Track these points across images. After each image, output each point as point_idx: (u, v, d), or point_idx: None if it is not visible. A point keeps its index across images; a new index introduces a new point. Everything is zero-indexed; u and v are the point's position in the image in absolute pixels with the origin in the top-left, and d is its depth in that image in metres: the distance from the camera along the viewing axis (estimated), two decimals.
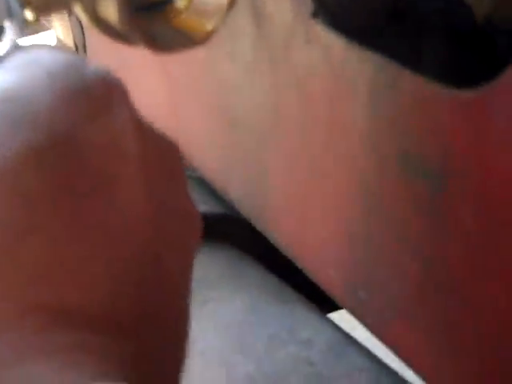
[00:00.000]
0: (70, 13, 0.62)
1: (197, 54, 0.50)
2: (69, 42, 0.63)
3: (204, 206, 0.56)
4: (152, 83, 0.55)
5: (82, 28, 0.62)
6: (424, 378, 0.39)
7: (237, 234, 0.56)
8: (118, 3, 0.31)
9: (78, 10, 0.32)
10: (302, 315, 0.49)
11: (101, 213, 0.23)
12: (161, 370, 0.25)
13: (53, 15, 0.67)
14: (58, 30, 0.65)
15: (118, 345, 0.22)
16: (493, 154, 0.31)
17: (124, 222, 0.24)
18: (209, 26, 0.33)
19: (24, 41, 0.29)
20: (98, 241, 0.23)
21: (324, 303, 0.53)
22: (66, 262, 0.22)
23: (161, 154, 0.26)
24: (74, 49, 0.62)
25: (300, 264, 0.46)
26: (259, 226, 0.50)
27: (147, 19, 0.33)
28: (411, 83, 0.34)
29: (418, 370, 0.39)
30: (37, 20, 0.31)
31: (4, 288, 0.21)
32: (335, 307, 0.57)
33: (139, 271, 0.24)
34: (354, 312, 0.43)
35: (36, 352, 0.21)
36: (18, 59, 0.25)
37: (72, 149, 0.23)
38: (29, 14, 0.30)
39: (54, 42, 0.68)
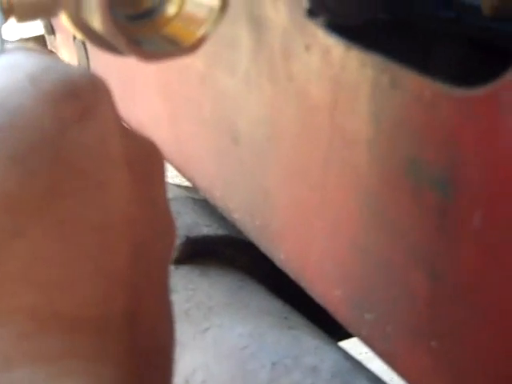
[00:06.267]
0: (75, 36, 0.61)
1: (195, 66, 0.49)
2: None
3: (207, 228, 0.54)
4: (154, 103, 0.54)
5: (85, 51, 0.61)
6: None
7: (240, 256, 0.54)
8: (102, 11, 0.29)
9: (63, 17, 0.32)
10: (308, 341, 0.47)
11: (88, 213, 0.23)
12: (153, 371, 0.25)
13: (56, 35, 0.66)
14: (62, 53, 0.64)
15: (112, 344, 0.23)
16: (504, 155, 0.29)
17: (112, 221, 0.24)
18: (198, 33, 0.32)
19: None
20: (85, 240, 0.23)
21: (336, 330, 0.50)
22: (53, 264, 0.22)
23: (143, 155, 0.27)
24: None
25: (304, 285, 0.44)
26: (262, 246, 0.47)
27: (135, 26, 0.32)
28: (415, 84, 0.32)
29: None
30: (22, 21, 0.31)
31: None
32: (348, 334, 0.54)
33: (130, 267, 0.24)
34: (360, 336, 0.40)
35: (23, 358, 0.21)
36: None
37: (58, 151, 0.23)
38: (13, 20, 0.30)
39: None
